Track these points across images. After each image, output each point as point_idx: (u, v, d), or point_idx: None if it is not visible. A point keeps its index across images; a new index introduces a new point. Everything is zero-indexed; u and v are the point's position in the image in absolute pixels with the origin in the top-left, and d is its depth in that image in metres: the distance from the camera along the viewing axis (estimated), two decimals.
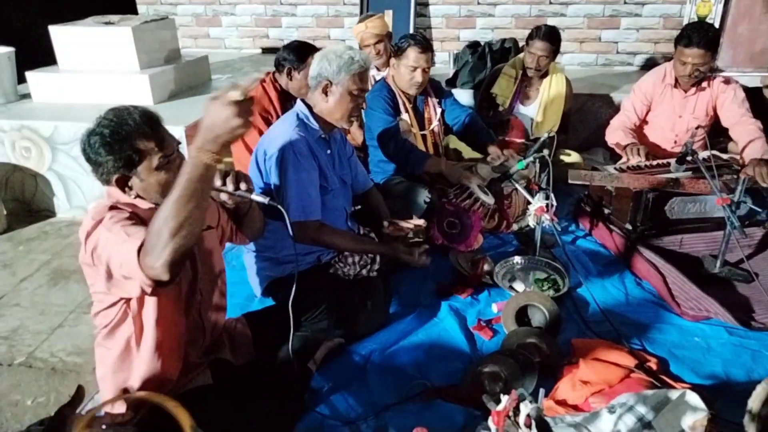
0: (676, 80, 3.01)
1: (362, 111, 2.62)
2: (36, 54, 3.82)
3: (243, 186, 1.47)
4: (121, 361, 1.51)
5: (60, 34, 3.63)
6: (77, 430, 1.11)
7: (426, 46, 2.76)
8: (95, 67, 3.62)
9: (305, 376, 1.92)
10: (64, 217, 3.40)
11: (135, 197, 1.45)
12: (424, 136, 3.01)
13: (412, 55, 2.76)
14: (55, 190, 3.36)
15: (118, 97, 3.53)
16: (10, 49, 3.67)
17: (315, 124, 2.15)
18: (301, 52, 2.71)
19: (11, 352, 2.22)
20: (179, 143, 1.50)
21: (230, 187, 1.45)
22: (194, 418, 1.44)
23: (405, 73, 2.81)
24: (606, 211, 2.87)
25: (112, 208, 1.40)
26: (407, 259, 2.24)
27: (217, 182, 1.43)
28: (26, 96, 3.71)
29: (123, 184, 1.43)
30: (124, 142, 1.38)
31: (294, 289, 1.57)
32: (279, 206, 1.49)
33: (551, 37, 3.23)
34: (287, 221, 1.52)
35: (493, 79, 3.56)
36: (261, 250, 2.19)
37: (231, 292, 1.92)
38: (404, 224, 2.36)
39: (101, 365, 1.55)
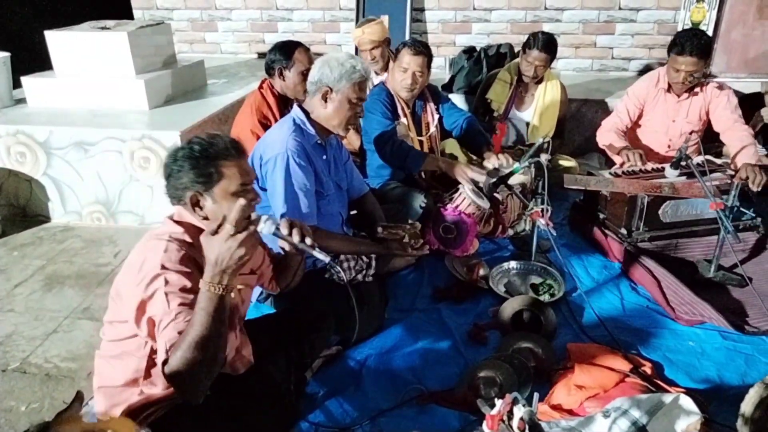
0: (669, 85, 3.03)
1: (360, 119, 2.62)
2: (31, 59, 3.81)
3: (308, 241, 1.54)
4: (124, 388, 1.49)
5: (56, 39, 3.63)
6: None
7: (419, 50, 2.77)
8: (91, 72, 3.62)
9: (300, 384, 1.92)
10: (58, 222, 3.39)
11: (202, 219, 1.48)
12: (421, 141, 3.02)
13: (405, 57, 2.78)
14: (49, 195, 3.35)
15: (114, 102, 3.53)
16: (6, 54, 3.67)
17: (311, 130, 2.15)
18: (286, 50, 2.72)
19: (5, 358, 2.20)
20: (256, 177, 1.57)
21: (296, 238, 1.53)
22: (188, 428, 1.45)
23: (398, 75, 2.83)
24: (601, 215, 2.88)
25: (185, 258, 1.39)
26: (402, 253, 2.23)
27: (284, 231, 1.52)
28: (21, 101, 3.70)
29: (196, 203, 1.46)
30: (210, 160, 1.44)
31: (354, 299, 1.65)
32: (340, 269, 1.60)
33: (549, 47, 3.24)
34: (348, 288, 1.64)
35: (489, 84, 3.57)
36: None
37: None
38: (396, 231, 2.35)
39: (102, 379, 1.53)
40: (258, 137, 2.62)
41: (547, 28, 4.71)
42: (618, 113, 3.19)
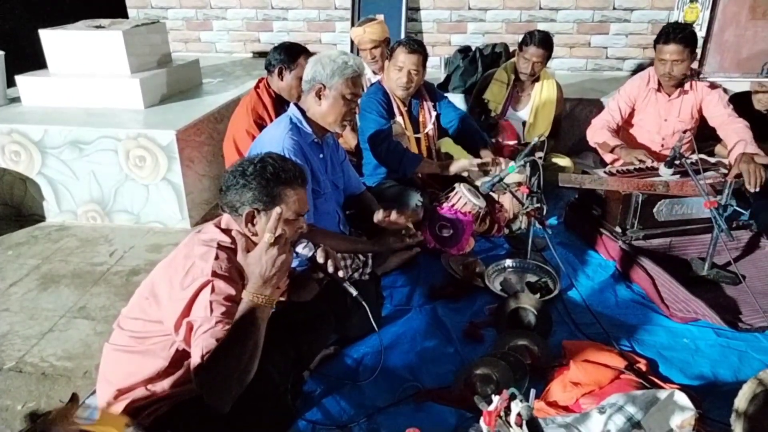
0: (660, 85, 3.05)
1: (355, 115, 2.63)
2: (26, 57, 3.80)
3: (341, 273, 1.67)
4: (135, 384, 1.50)
5: (50, 38, 3.62)
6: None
7: (414, 48, 2.78)
8: (86, 71, 3.61)
9: (298, 384, 1.92)
10: (53, 221, 3.37)
11: (252, 235, 1.51)
12: (418, 140, 3.02)
13: (400, 56, 2.79)
14: (44, 195, 3.34)
15: (109, 101, 3.52)
16: (0, 53, 3.65)
17: (308, 128, 2.16)
18: (291, 53, 2.72)
19: (1, 357, 2.20)
20: (308, 210, 1.61)
21: (330, 269, 1.65)
22: (187, 426, 1.45)
23: (393, 74, 2.83)
24: (596, 214, 2.89)
25: (232, 269, 1.42)
26: (400, 245, 2.28)
27: (320, 259, 1.64)
28: (16, 100, 3.69)
29: (251, 219, 1.49)
30: (278, 183, 1.48)
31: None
32: (363, 302, 1.66)
33: (545, 43, 3.26)
34: (370, 316, 1.73)
35: (485, 84, 3.58)
36: None
37: None
38: (397, 217, 2.35)
39: (111, 371, 1.53)
40: (253, 137, 2.61)
41: (541, 27, 4.73)
42: (610, 111, 3.21)
